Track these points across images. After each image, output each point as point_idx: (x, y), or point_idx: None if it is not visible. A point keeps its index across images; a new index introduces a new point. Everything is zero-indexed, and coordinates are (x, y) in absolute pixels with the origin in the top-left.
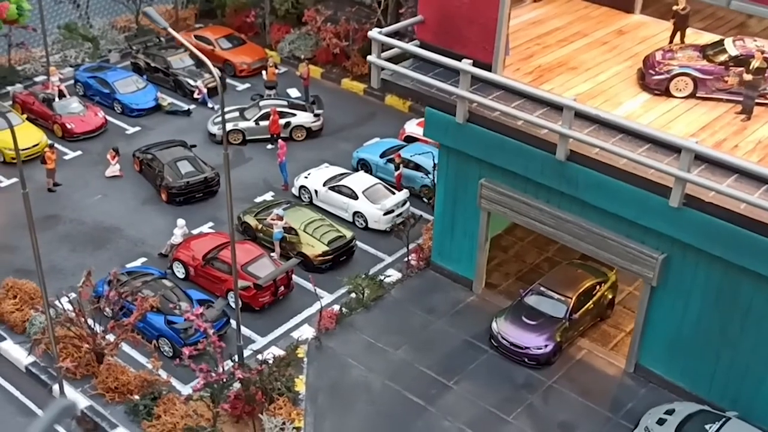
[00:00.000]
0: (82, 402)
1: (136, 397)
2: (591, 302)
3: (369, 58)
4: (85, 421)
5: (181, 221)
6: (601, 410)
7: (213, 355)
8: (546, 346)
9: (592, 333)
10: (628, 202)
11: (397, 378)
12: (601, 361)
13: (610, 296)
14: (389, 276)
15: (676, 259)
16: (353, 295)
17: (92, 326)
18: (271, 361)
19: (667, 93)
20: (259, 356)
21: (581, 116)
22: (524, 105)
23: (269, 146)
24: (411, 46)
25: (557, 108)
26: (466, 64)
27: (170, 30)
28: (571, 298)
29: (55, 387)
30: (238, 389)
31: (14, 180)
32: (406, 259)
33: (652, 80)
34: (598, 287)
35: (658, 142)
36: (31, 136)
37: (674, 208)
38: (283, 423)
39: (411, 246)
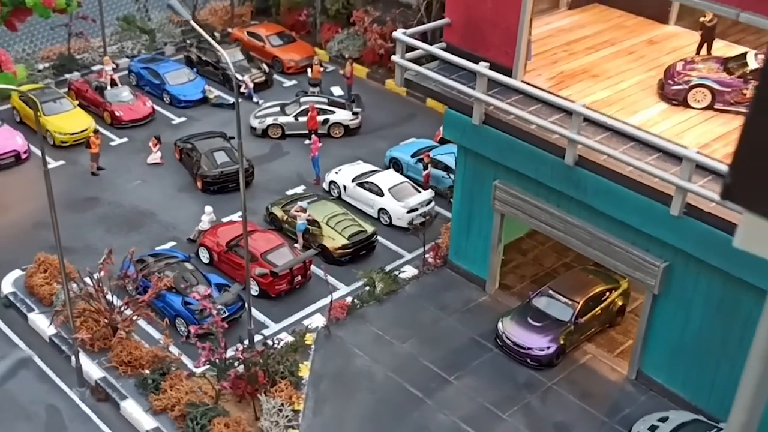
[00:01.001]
0: (97, 373)
1: (147, 371)
2: (599, 308)
3: (393, 58)
4: (98, 391)
5: (208, 208)
6: (597, 414)
7: (216, 333)
8: (549, 347)
9: (599, 338)
10: (633, 209)
11: (400, 370)
12: (604, 367)
13: (620, 303)
14: (405, 272)
15: (679, 268)
16: (367, 287)
17: (111, 302)
18: (278, 346)
19: (684, 103)
20: (268, 341)
21: (593, 123)
22: (540, 110)
23: (306, 141)
24: (433, 48)
25: (570, 113)
26: (482, 67)
27: (192, 22)
28: (578, 303)
29: (74, 357)
30: (241, 370)
31: (62, 162)
32: (423, 256)
33: (671, 90)
34: (608, 294)
35: (665, 151)
36: (80, 121)
37: (675, 216)
38: (282, 405)
39: (429, 244)
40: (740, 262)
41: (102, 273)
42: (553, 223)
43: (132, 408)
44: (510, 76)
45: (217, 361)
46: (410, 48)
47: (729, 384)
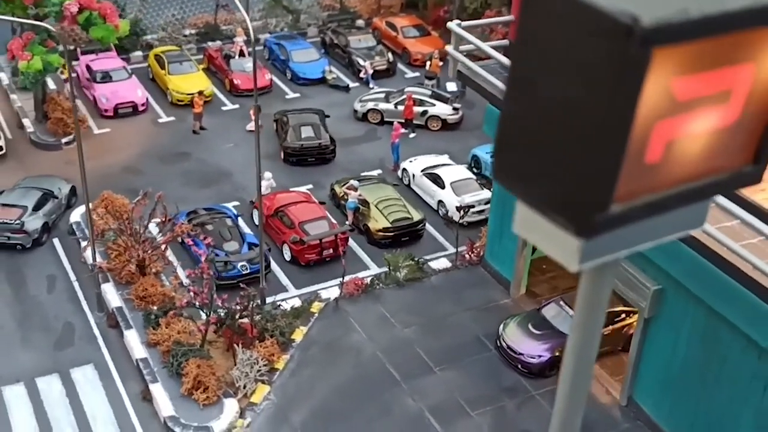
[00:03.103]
0: (116, 302)
1: (155, 308)
2: (610, 328)
3: (447, 48)
4: (111, 317)
5: (267, 174)
6: None
7: (200, 281)
8: (540, 356)
9: (606, 360)
10: None
11: (389, 352)
12: (599, 389)
13: None
14: (438, 263)
15: (670, 293)
16: (387, 270)
17: (139, 239)
18: (280, 308)
19: None
20: (276, 302)
21: None
22: None
23: (403, 130)
24: (481, 43)
25: None
26: None
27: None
28: None
29: (104, 285)
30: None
31: (172, 118)
32: (456, 251)
33: None
34: (624, 316)
35: None
36: (198, 83)
37: None
38: (258, 359)
39: (467, 241)
40: (721, 295)
41: (134, 213)
42: None
43: (132, 338)
44: None
45: (197, 304)
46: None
47: (708, 422)
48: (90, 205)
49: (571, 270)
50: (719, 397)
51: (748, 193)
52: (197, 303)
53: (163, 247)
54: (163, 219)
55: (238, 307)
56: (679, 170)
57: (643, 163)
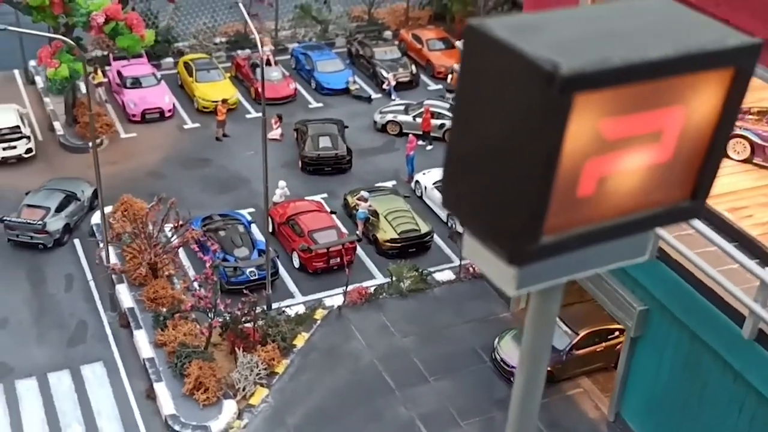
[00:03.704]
0: (128, 303)
1: (164, 309)
2: (603, 345)
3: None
4: (123, 318)
5: (282, 183)
6: None
7: (205, 285)
8: None
9: (598, 376)
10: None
11: (387, 360)
12: (589, 404)
13: None
14: (442, 275)
15: (656, 314)
16: (390, 280)
17: (152, 242)
18: (284, 314)
19: (724, 153)
20: (282, 308)
21: None
22: None
23: (420, 142)
24: None
25: None
26: None
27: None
28: (578, 335)
29: (118, 286)
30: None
31: (197, 125)
32: (459, 263)
33: None
34: (617, 334)
35: None
36: (224, 91)
37: (648, 259)
38: (257, 362)
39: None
40: (700, 318)
41: (148, 217)
42: None
43: (141, 338)
44: None
45: (202, 309)
46: None
47: None
48: (110, 208)
49: (510, 295)
50: (702, 419)
51: (735, 219)
52: (201, 307)
53: (174, 251)
54: (176, 224)
55: (239, 313)
56: (615, 203)
57: (575, 197)
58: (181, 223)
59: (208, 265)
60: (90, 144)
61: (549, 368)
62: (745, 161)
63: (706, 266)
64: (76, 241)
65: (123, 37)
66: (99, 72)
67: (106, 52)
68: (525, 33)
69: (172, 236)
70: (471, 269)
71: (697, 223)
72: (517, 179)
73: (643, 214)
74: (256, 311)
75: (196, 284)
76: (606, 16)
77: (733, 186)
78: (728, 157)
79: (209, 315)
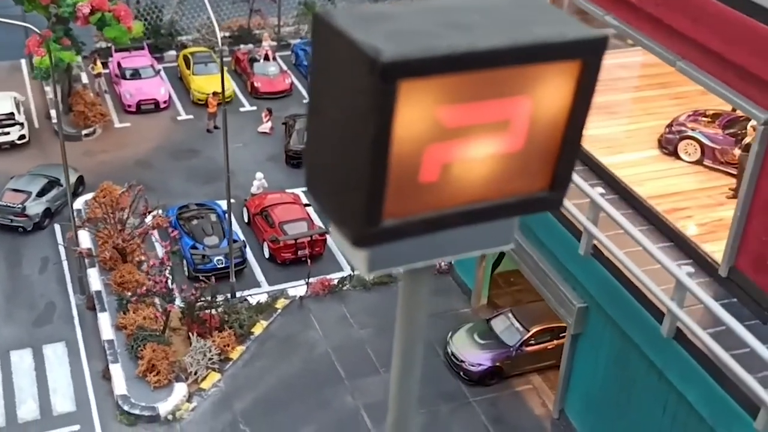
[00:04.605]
0: (96, 287)
1: (128, 293)
2: (554, 343)
3: None
4: (90, 300)
5: (259, 174)
6: None
7: (159, 270)
8: (480, 365)
9: (549, 373)
10: (560, 243)
11: (341, 350)
12: (536, 401)
13: None
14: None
15: (594, 311)
16: (351, 273)
17: (120, 228)
18: (247, 301)
19: (675, 154)
20: (244, 297)
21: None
22: None
23: None
24: None
25: None
26: None
27: None
28: (529, 332)
29: (89, 270)
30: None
31: (191, 116)
32: None
33: (665, 138)
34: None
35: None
36: (219, 85)
37: (582, 256)
38: (210, 348)
39: None
40: (627, 315)
41: (118, 203)
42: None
43: (104, 320)
44: None
45: (156, 293)
46: None
47: None
48: (90, 195)
49: (365, 276)
50: (631, 418)
51: (673, 219)
52: (156, 291)
53: (141, 236)
54: (144, 211)
55: (193, 298)
56: (463, 190)
57: (417, 183)
58: (149, 210)
59: (164, 251)
60: (83, 132)
61: (498, 364)
62: (695, 163)
63: (631, 264)
64: (56, 226)
65: (110, 27)
66: (98, 63)
67: (109, 44)
68: (367, 23)
69: (140, 223)
70: (439, 265)
71: (624, 222)
72: (354, 164)
73: (497, 202)
74: (216, 298)
75: (150, 268)
76: (461, 8)
77: (679, 187)
78: (679, 158)
79: (165, 299)
